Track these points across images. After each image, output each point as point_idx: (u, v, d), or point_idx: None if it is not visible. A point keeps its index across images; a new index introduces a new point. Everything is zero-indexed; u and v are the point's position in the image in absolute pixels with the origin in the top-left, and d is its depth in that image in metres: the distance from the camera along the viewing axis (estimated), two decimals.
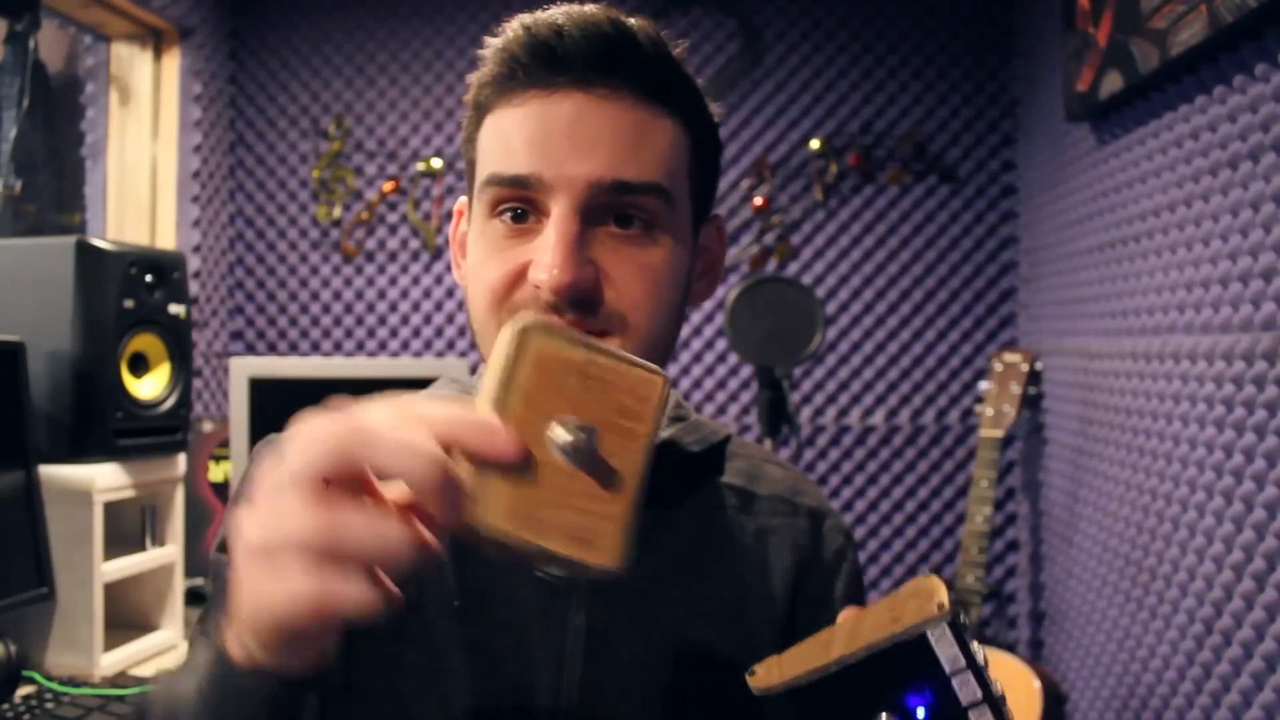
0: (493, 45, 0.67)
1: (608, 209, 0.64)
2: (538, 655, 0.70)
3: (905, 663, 0.49)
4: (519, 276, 0.65)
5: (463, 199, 0.75)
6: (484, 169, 0.67)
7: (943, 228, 2.42)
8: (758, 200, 2.43)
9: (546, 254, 0.62)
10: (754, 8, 2.44)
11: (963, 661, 0.49)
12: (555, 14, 0.66)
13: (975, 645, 0.49)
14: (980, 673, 0.49)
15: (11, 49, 1.63)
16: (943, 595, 0.49)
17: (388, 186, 2.52)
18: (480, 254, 0.67)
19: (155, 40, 2.31)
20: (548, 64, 0.64)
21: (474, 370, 0.78)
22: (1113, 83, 1.67)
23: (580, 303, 0.63)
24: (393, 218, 2.55)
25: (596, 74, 0.64)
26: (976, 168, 2.41)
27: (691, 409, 0.83)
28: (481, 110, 0.69)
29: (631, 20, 0.66)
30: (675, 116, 0.68)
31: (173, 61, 2.31)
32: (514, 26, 0.67)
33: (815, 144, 2.42)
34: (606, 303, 0.64)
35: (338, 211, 2.55)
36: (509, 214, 0.66)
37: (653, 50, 0.66)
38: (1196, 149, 1.49)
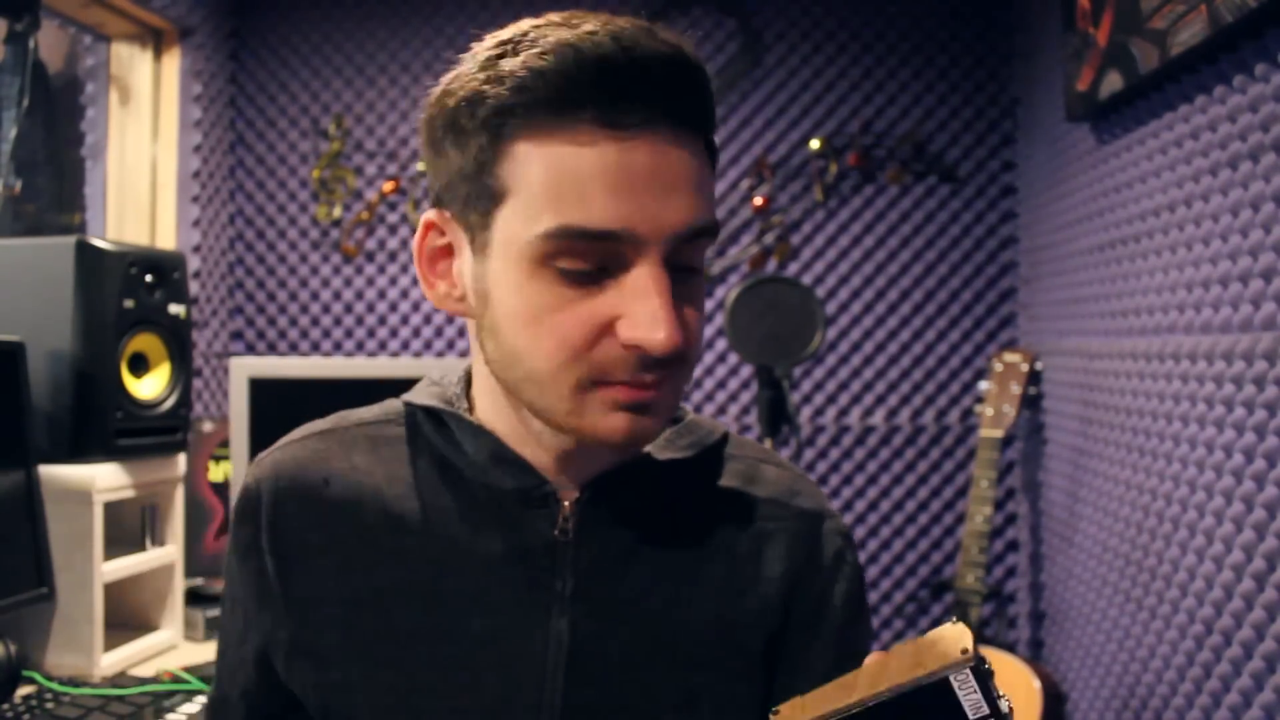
0: (526, 64, 0.59)
1: (676, 255, 0.62)
2: (518, 668, 0.69)
3: (928, 707, 0.49)
4: (601, 332, 0.61)
5: (432, 211, 0.70)
6: (543, 216, 0.59)
7: (943, 228, 2.42)
8: (758, 200, 2.43)
9: (648, 313, 0.59)
10: (754, 8, 2.44)
11: (986, 709, 0.48)
12: (596, 34, 0.59)
13: (1000, 692, 0.49)
14: None
15: (11, 49, 1.63)
16: (967, 641, 0.49)
17: (388, 186, 2.52)
18: (534, 303, 0.62)
19: (155, 40, 2.30)
20: (615, 99, 0.58)
21: (468, 376, 0.76)
22: (1113, 83, 1.67)
23: (674, 360, 0.62)
24: (393, 218, 2.55)
25: (665, 113, 0.60)
26: (976, 168, 2.41)
27: (689, 409, 0.81)
28: (502, 135, 0.61)
29: (684, 44, 0.61)
30: (708, 145, 0.65)
31: (173, 61, 2.31)
32: (549, 44, 0.59)
33: (815, 144, 2.42)
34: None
35: (338, 211, 2.55)
36: (580, 264, 0.60)
37: (705, 80, 0.62)
38: (1196, 149, 1.49)
